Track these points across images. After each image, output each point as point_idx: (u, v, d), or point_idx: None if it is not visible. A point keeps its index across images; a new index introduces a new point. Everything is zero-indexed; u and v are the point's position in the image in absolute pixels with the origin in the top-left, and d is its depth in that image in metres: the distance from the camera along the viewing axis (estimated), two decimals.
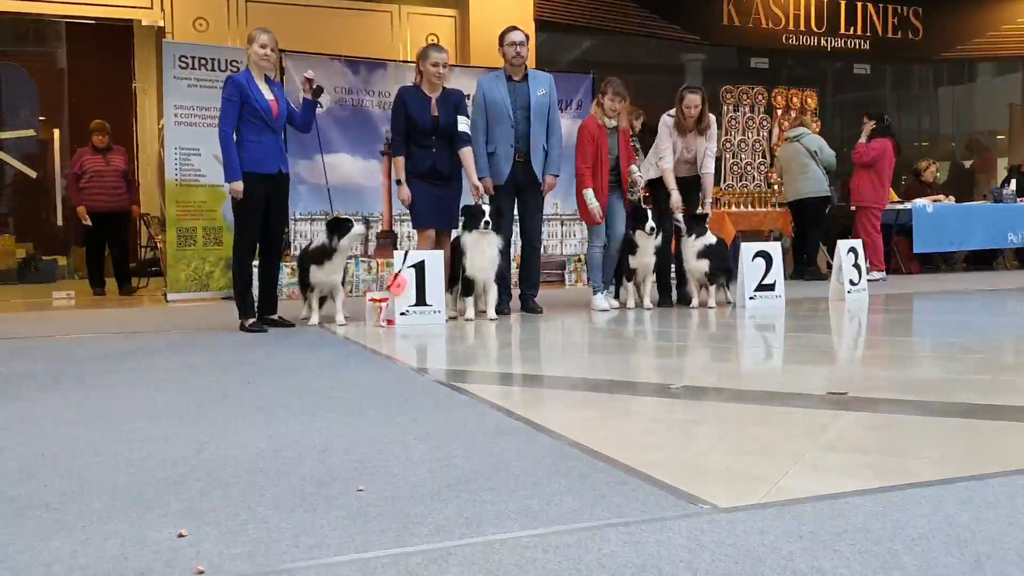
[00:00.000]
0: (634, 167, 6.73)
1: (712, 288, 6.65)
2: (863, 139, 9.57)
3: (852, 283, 7.24)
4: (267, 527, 1.83)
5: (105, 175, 9.37)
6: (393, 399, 3.24)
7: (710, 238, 6.62)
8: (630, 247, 6.57)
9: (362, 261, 8.45)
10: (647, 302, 6.62)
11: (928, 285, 8.91)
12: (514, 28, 6.50)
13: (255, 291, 5.83)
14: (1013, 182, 11.80)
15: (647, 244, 6.49)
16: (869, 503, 1.92)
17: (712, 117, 6.82)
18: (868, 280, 8.71)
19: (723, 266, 6.68)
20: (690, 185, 6.79)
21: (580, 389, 3.49)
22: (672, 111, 6.76)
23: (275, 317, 5.84)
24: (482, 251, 5.92)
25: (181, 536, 1.77)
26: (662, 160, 6.69)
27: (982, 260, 11.90)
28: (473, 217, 5.91)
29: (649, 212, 6.55)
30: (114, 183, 9.41)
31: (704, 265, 6.58)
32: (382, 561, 1.63)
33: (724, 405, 3.11)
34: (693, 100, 6.60)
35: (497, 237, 5.94)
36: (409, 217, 6.47)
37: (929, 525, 1.77)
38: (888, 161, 9.56)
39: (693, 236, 6.57)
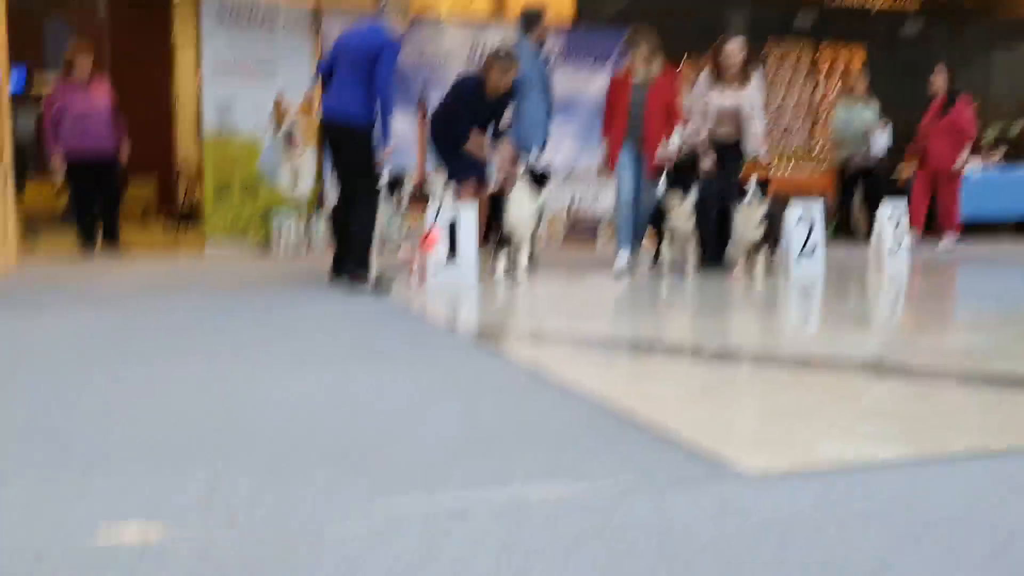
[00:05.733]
0: (677, 132, 6.50)
1: (759, 256, 6.31)
2: (940, 109, 9.06)
3: (893, 248, 7.11)
4: (297, 478, 1.84)
5: (91, 116, 7.70)
6: (423, 358, 3.25)
7: (765, 207, 6.23)
8: (662, 210, 6.43)
9: (394, 216, 8.47)
10: (688, 268, 6.37)
11: (973, 251, 8.73)
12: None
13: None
14: None
15: (679, 208, 6.28)
16: (900, 475, 1.89)
17: (758, 71, 6.61)
18: (939, 249, 8.52)
19: (773, 234, 6.35)
20: (728, 149, 6.54)
21: (611, 349, 3.47)
22: (706, 69, 6.52)
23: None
24: (523, 205, 5.94)
25: (212, 490, 1.80)
26: (704, 121, 6.49)
27: None
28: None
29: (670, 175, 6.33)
30: (101, 125, 7.75)
31: (758, 234, 6.23)
32: (409, 514, 1.63)
33: (758, 369, 3.08)
34: (732, 49, 6.28)
35: (536, 193, 5.97)
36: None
37: (958, 503, 1.74)
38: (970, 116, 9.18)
39: (750, 203, 6.14)
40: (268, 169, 8.65)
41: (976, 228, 10.65)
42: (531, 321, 4.41)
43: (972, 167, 10.26)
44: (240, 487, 1.79)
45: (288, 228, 8.39)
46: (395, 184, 6.05)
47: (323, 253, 7.76)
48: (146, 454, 2.02)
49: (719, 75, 6.38)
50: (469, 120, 6.22)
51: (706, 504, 1.70)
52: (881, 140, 9.36)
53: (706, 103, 6.45)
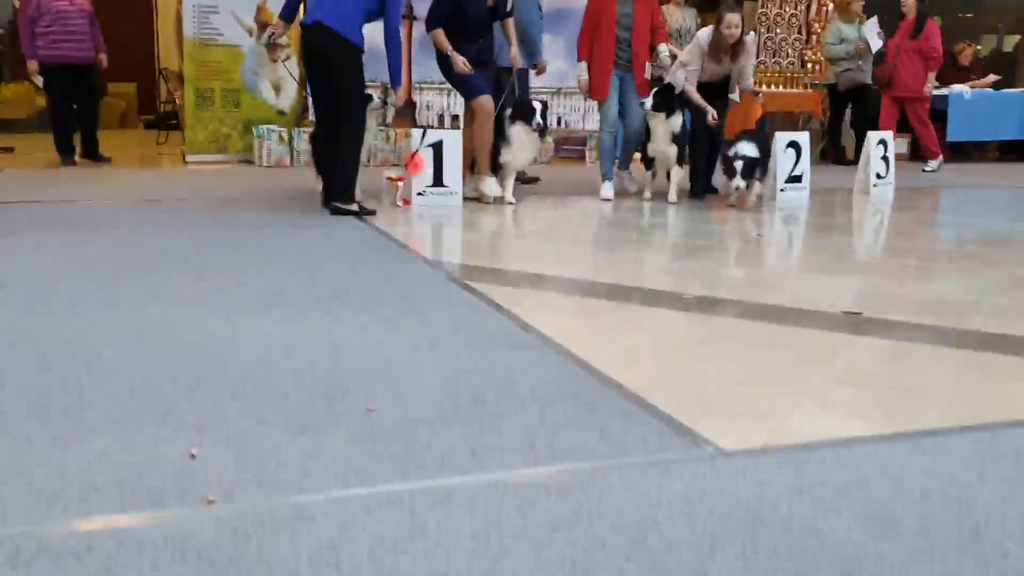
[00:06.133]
0: (664, 47, 6.29)
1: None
2: (911, 31, 8.92)
3: (879, 176, 7.09)
4: (277, 450, 1.87)
5: (70, 17, 7.49)
6: (406, 299, 3.25)
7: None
8: (646, 132, 6.23)
9: (380, 131, 8.32)
10: (672, 195, 6.22)
11: (957, 177, 8.71)
12: None
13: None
14: None
15: (662, 130, 6.06)
16: (874, 453, 1.93)
17: (750, 37, 6.41)
18: (925, 171, 8.47)
19: (756, 160, 6.09)
20: (716, 89, 6.36)
21: (589, 295, 3.48)
22: (708, 29, 6.32)
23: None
24: (525, 146, 5.95)
25: (192, 457, 1.81)
26: (687, 81, 6.30)
27: (1012, 150, 11.54)
28: (526, 113, 5.88)
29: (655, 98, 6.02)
30: (80, 28, 7.56)
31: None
32: (387, 497, 1.66)
33: (735, 321, 3.09)
34: (732, 20, 6.13)
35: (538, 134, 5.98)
36: (437, 85, 6.36)
37: (932, 483, 1.78)
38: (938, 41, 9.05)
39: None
40: (250, 78, 8.48)
41: (963, 149, 10.62)
42: (513, 259, 4.40)
43: (961, 90, 10.16)
44: (214, 460, 1.81)
45: (271, 139, 8.24)
46: (381, 99, 5.94)
47: (306, 168, 7.65)
48: (117, 419, 2.03)
49: (716, 47, 6.17)
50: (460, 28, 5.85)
51: (680, 488, 1.74)
52: (875, 44, 9.22)
53: (701, 65, 6.30)
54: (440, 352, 2.58)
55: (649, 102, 5.97)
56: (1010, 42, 14.46)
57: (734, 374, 2.48)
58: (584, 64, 6.21)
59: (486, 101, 5.90)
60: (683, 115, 6.17)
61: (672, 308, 3.26)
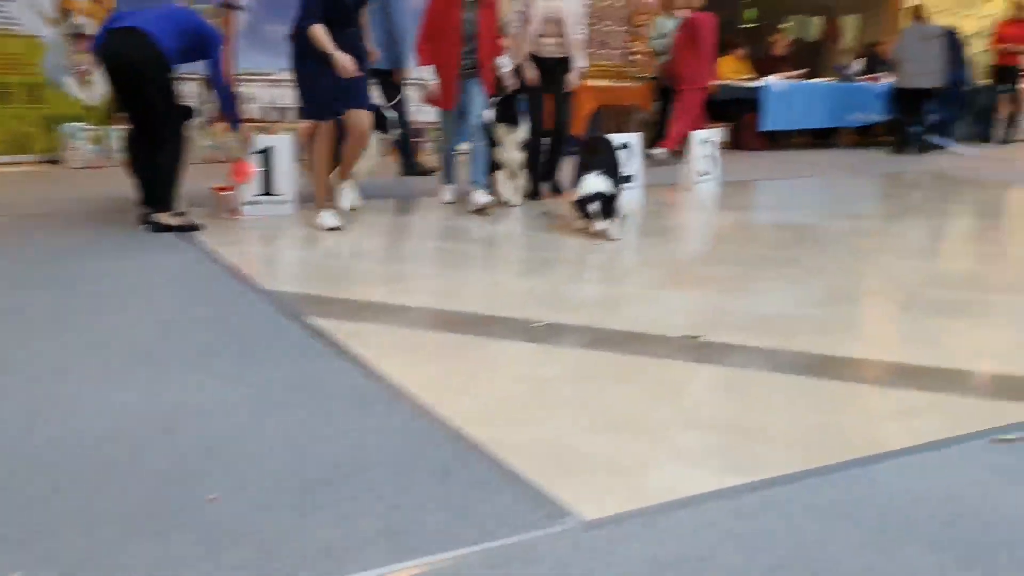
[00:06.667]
0: (503, 59, 6.24)
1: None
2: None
3: (703, 173, 7.39)
4: (114, 562, 1.71)
5: None
6: (243, 346, 3.07)
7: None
8: (491, 140, 6.12)
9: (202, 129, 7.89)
10: (514, 197, 6.24)
11: (772, 165, 9.21)
12: None
13: None
14: (860, 61, 12.14)
15: (509, 139, 6.08)
16: (724, 513, 1.98)
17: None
18: (650, 153, 8.30)
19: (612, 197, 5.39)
20: (555, 68, 6.41)
21: (438, 328, 3.41)
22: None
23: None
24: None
25: None
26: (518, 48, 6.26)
27: (821, 135, 12.31)
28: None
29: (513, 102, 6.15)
30: None
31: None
32: None
33: (584, 353, 3.12)
34: None
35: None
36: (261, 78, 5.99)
37: (783, 548, 1.84)
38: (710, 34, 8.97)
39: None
40: (53, 71, 7.81)
41: (777, 139, 11.23)
42: (356, 284, 4.27)
43: (774, 81, 10.72)
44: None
45: (80, 138, 7.64)
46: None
47: (120, 172, 7.15)
48: None
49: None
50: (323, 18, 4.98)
51: (544, 570, 1.72)
52: None
53: (528, 6, 6.25)
54: (282, 417, 2.45)
55: (491, 114, 5.93)
56: (815, 28, 15.31)
57: (587, 419, 2.49)
58: (431, 70, 5.92)
59: (329, 126, 5.20)
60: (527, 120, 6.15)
61: (522, 339, 3.24)
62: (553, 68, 6.40)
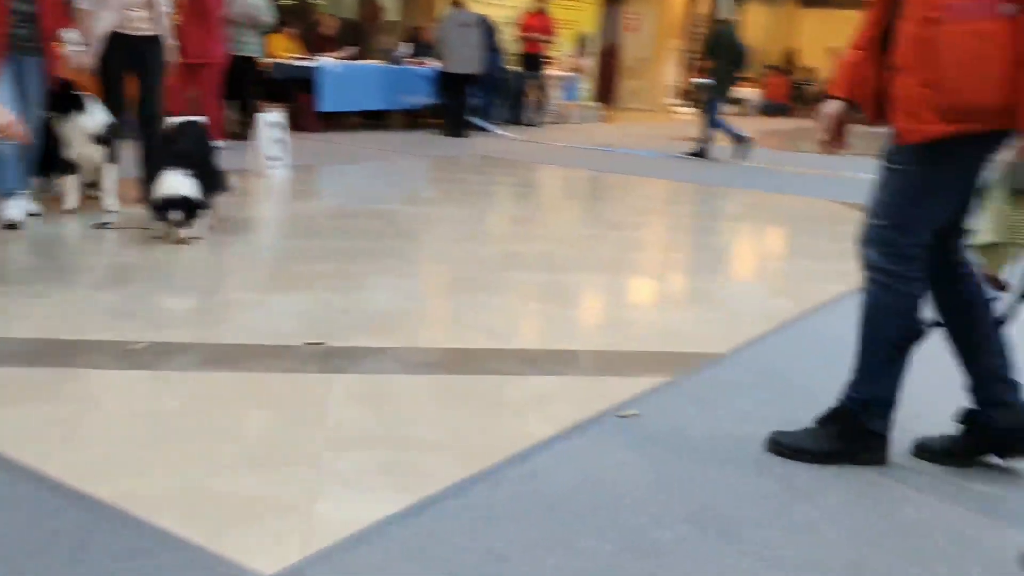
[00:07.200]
0: (72, 34, 5.10)
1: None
2: None
3: (274, 158, 7.16)
4: None
5: None
6: None
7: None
8: (55, 137, 4.96)
9: None
10: (110, 201, 5.15)
11: (334, 149, 9.22)
12: None
13: None
14: (408, 45, 12.63)
15: (75, 132, 4.95)
16: (408, 534, 1.92)
17: None
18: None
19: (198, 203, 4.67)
20: (145, 49, 5.35)
21: (12, 363, 2.83)
22: None
23: None
24: None
25: None
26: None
27: (373, 116, 12.60)
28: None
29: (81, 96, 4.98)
30: None
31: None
32: None
33: (201, 375, 2.81)
34: None
35: None
36: None
37: (473, 558, 1.82)
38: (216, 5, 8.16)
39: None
40: None
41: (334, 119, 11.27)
42: None
43: (328, 62, 10.72)
44: None
45: None
46: None
47: None
48: None
49: None
50: None
51: None
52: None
53: None
54: None
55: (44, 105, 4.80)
56: (351, 9, 15.41)
57: (226, 455, 2.25)
58: None
59: None
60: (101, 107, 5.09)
61: (124, 366, 2.82)
62: (140, 50, 5.37)
